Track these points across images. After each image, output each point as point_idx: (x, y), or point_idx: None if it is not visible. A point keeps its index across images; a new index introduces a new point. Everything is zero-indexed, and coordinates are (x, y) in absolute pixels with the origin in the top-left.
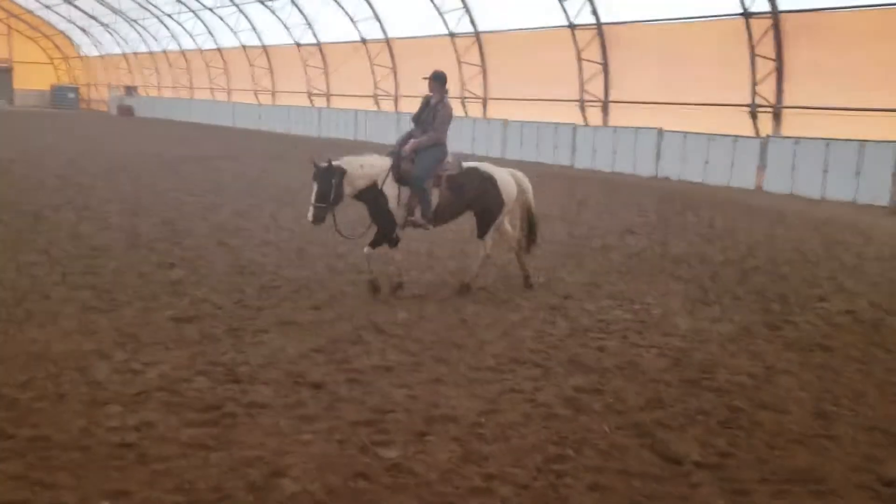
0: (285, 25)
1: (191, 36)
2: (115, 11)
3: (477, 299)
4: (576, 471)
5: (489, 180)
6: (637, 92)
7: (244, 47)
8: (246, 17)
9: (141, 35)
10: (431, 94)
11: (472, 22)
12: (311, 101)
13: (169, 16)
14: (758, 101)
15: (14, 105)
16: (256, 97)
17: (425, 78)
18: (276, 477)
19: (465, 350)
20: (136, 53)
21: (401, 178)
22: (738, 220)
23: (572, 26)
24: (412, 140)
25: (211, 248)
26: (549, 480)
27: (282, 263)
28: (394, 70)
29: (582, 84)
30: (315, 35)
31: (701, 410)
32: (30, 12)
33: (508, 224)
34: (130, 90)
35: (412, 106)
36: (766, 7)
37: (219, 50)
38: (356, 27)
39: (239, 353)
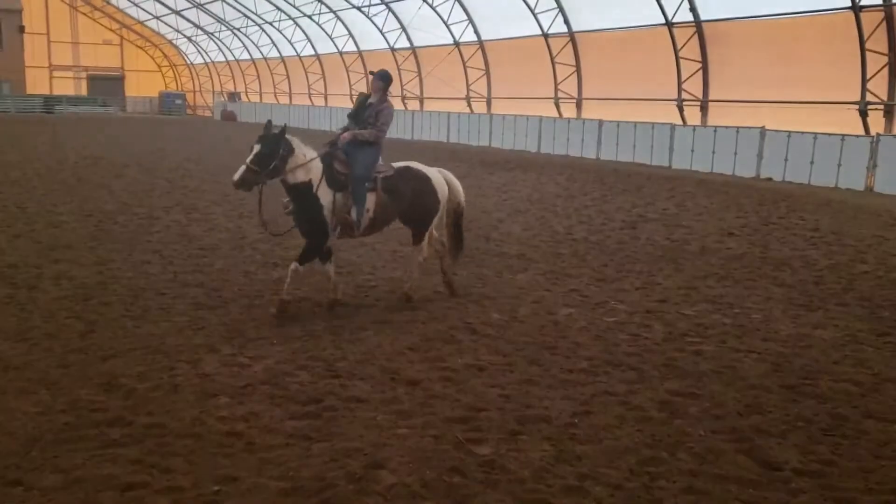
0: (381, 31)
1: (290, 43)
2: (220, 21)
3: (570, 302)
4: (670, 473)
5: (424, 180)
6: (738, 90)
7: (341, 53)
8: (343, 23)
9: (244, 43)
10: (372, 93)
11: (567, 22)
12: (405, 104)
13: (270, 24)
14: (868, 98)
15: (125, 111)
16: (352, 101)
17: (371, 73)
18: (374, 468)
19: (559, 352)
20: (238, 61)
21: (334, 181)
22: (845, 222)
23: (670, 24)
24: (350, 132)
25: None
26: (642, 482)
27: (377, 264)
28: (487, 72)
29: (680, 83)
30: (409, 39)
31: (802, 417)
32: (141, 23)
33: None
34: (234, 96)
35: (505, 107)
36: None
37: (317, 56)
38: (450, 30)
39: (338, 349)
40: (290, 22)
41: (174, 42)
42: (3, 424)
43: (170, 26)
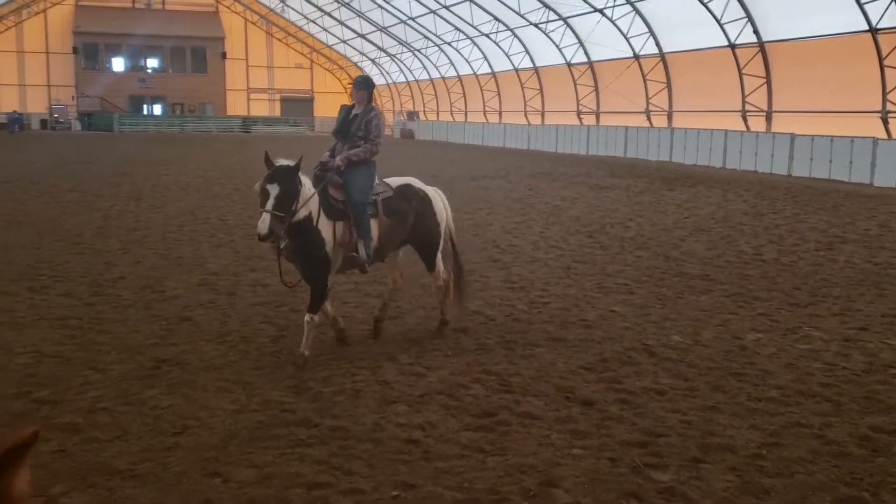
0: (557, 46)
1: (467, 62)
2: (402, 43)
3: (759, 327)
4: None
5: (426, 201)
6: None
7: (517, 70)
8: (520, 40)
9: (423, 64)
10: (356, 103)
11: (756, 32)
12: (580, 119)
13: (449, 44)
14: None
15: (313, 131)
16: (526, 118)
17: (349, 84)
18: (548, 486)
19: (745, 379)
20: (418, 81)
21: (332, 210)
22: None
23: (874, 31)
24: (343, 155)
25: (483, 262)
26: None
27: (550, 280)
28: (668, 85)
29: (885, 94)
30: (586, 53)
31: None
32: (329, 47)
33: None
34: (412, 115)
35: (687, 121)
36: None
37: (493, 74)
38: (629, 43)
39: (511, 364)
40: (468, 41)
41: (359, 64)
42: (204, 420)
43: (355, 49)
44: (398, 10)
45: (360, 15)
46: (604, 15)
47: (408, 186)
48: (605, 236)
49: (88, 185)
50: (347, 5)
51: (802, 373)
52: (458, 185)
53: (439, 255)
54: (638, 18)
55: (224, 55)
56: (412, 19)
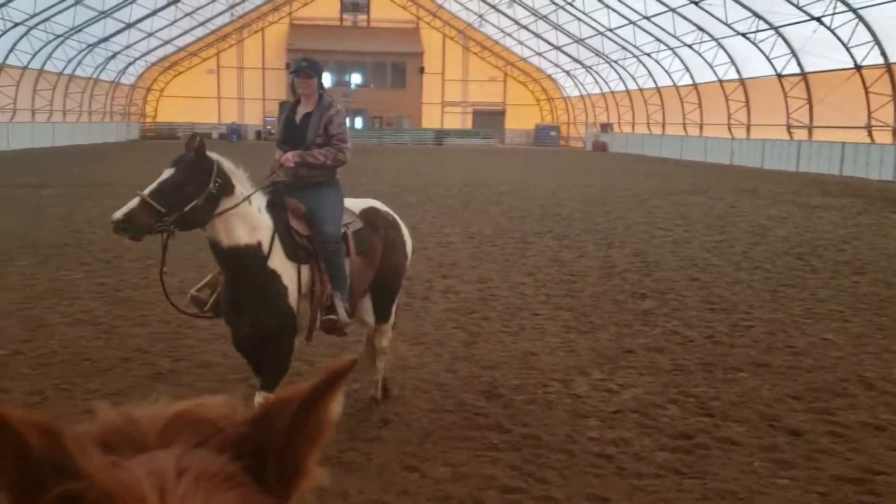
0: (767, 57)
1: (667, 73)
2: (599, 54)
3: None
4: None
5: (395, 228)
6: None
7: (720, 81)
8: (725, 51)
9: (620, 75)
10: (302, 98)
11: None
12: (790, 134)
13: (648, 55)
14: None
15: (503, 143)
16: (730, 131)
17: (292, 72)
18: None
19: None
20: (613, 93)
21: (295, 248)
22: None
23: None
24: (294, 152)
25: (681, 281)
26: None
27: (754, 303)
28: (894, 98)
29: None
30: (799, 64)
31: None
32: (523, 60)
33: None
34: (605, 127)
35: None
36: None
37: (694, 85)
38: (850, 53)
39: (710, 387)
40: (669, 52)
41: (553, 76)
42: (403, 416)
43: (550, 61)
44: (597, 21)
45: (556, 27)
46: (821, 23)
47: (373, 210)
48: (816, 259)
49: None
50: (545, 18)
51: None
52: (654, 201)
53: (396, 303)
54: (861, 26)
55: (422, 70)
56: (611, 31)
